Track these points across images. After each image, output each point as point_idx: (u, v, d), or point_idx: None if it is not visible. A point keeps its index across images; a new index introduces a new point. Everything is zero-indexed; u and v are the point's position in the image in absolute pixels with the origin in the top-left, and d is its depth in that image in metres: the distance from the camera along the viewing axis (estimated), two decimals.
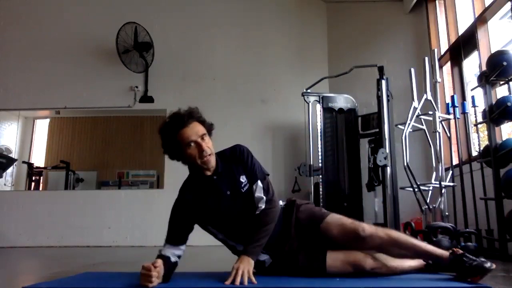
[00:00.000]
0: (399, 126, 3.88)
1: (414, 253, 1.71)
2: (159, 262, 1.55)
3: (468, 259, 1.58)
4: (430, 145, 3.85)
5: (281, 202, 1.91)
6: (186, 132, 1.66)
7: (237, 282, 1.54)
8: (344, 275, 1.83)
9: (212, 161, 1.72)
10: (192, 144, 1.66)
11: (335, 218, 1.77)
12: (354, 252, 1.75)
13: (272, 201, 1.78)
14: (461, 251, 1.64)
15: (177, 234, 1.71)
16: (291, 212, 1.85)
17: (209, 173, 1.75)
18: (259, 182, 1.78)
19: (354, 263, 1.75)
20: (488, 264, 1.51)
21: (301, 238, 1.82)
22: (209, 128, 1.76)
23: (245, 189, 1.77)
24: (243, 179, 1.77)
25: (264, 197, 1.77)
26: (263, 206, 1.75)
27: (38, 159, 7.35)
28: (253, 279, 1.57)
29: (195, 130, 1.67)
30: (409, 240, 1.70)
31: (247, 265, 1.60)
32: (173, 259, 1.68)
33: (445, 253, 1.68)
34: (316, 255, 1.76)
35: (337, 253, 1.76)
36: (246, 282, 1.54)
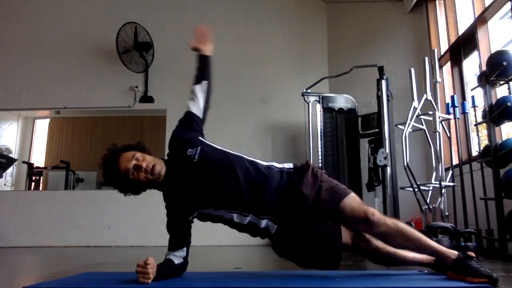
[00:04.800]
0: (399, 126, 3.88)
1: (419, 247, 1.67)
2: (151, 259, 1.58)
3: (476, 263, 1.54)
4: (430, 145, 3.85)
5: (285, 165, 1.80)
6: (123, 164, 1.70)
7: None
8: (344, 275, 1.83)
9: (157, 168, 1.71)
10: (132, 169, 1.69)
11: (351, 199, 1.68)
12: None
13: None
14: (472, 255, 1.58)
15: (175, 240, 1.75)
16: (313, 179, 1.72)
17: (162, 179, 1.75)
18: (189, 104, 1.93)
19: (359, 238, 1.76)
20: (494, 275, 1.48)
21: (315, 209, 1.70)
22: (137, 147, 1.78)
23: (197, 157, 1.72)
24: (189, 152, 1.74)
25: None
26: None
27: (38, 159, 7.35)
28: None
29: (126, 158, 1.71)
30: (416, 234, 1.65)
31: None
32: (176, 261, 1.72)
33: (452, 253, 1.62)
34: (331, 230, 1.71)
35: (343, 227, 1.75)
36: None
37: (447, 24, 4.89)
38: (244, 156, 1.79)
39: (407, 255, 1.79)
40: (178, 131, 1.85)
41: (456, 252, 1.62)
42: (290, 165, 1.81)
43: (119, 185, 1.74)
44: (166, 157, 1.84)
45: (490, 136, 3.17)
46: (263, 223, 1.70)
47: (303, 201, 1.68)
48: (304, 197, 1.68)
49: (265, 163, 1.79)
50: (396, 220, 1.68)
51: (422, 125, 3.84)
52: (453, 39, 4.66)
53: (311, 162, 1.87)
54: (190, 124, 1.85)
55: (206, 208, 1.74)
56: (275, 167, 1.78)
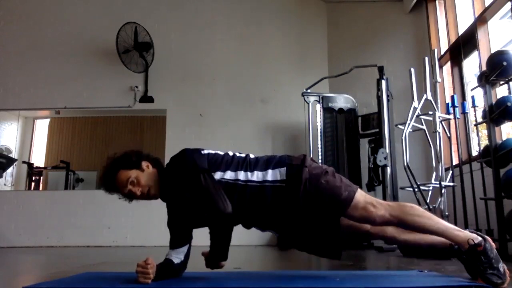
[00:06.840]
0: (399, 126, 3.88)
1: (430, 233, 1.64)
2: (151, 259, 1.58)
3: (485, 262, 1.47)
4: (430, 145, 3.86)
5: (279, 175, 1.66)
6: (119, 186, 1.75)
7: None
8: (344, 275, 1.83)
9: (151, 192, 1.74)
10: (127, 193, 1.74)
11: (350, 211, 1.61)
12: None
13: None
14: (481, 249, 1.49)
15: (176, 238, 1.75)
16: (306, 196, 1.62)
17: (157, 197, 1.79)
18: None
19: (362, 229, 1.75)
20: (498, 281, 1.43)
21: (313, 213, 1.66)
22: (132, 165, 1.75)
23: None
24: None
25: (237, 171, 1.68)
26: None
27: (38, 159, 7.35)
28: None
29: (120, 181, 1.73)
30: (425, 223, 1.58)
31: None
32: (176, 260, 1.71)
33: (464, 242, 1.53)
34: (331, 228, 1.71)
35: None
36: None
37: (447, 24, 4.89)
38: (239, 181, 1.67)
39: (420, 240, 1.75)
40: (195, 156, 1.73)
41: (469, 240, 1.52)
42: (283, 172, 1.66)
43: (123, 193, 1.78)
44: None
45: (490, 136, 3.17)
46: (266, 232, 1.81)
47: (298, 219, 1.67)
48: (298, 218, 1.66)
49: (259, 179, 1.67)
50: (402, 214, 1.59)
51: (422, 125, 3.85)
52: (453, 39, 4.66)
53: (306, 169, 1.65)
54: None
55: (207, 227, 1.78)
56: (269, 182, 1.66)
